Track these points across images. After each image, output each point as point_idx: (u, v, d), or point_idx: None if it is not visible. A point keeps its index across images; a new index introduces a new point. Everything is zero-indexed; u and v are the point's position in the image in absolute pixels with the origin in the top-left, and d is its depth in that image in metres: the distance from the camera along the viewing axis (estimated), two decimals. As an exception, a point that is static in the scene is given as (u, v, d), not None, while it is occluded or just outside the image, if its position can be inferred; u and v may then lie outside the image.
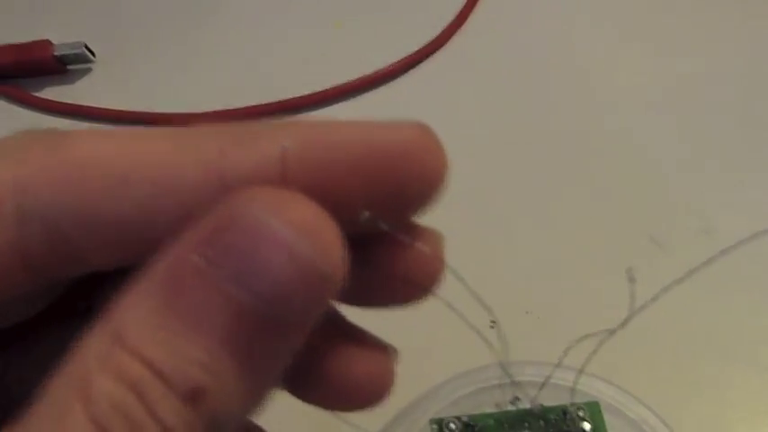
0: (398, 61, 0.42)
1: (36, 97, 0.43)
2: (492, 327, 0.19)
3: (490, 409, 0.24)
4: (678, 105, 0.39)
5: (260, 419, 0.16)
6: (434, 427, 0.23)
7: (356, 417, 0.24)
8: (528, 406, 0.23)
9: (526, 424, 0.23)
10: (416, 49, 0.43)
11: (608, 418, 0.24)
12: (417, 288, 0.16)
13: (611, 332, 0.19)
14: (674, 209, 0.35)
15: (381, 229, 0.15)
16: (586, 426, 0.23)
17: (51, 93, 0.43)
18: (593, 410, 0.23)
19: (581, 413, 0.23)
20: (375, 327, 0.18)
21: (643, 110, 0.39)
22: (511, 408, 0.23)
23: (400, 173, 0.14)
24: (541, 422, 0.23)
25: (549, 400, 0.24)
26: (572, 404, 0.23)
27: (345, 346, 0.16)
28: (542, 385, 0.24)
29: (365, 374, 0.16)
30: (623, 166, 0.37)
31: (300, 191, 0.13)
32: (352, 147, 0.14)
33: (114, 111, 0.42)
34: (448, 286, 0.16)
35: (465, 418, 0.24)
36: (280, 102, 0.41)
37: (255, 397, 0.13)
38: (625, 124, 0.39)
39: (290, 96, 0.41)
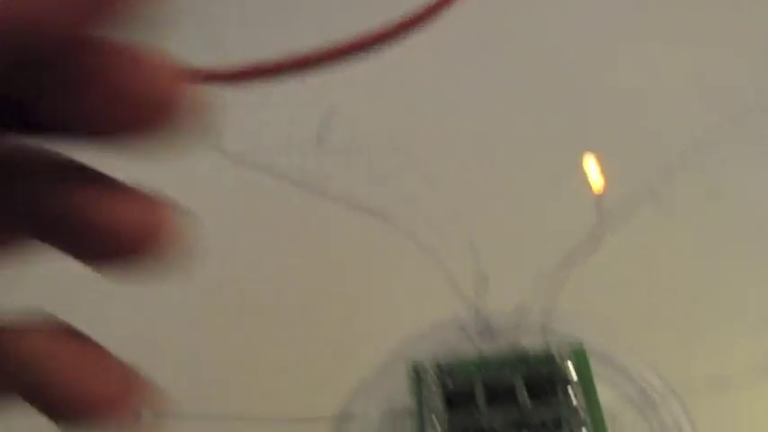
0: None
1: None
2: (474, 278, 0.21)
3: (470, 355, 0.23)
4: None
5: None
6: (413, 373, 0.23)
7: (337, 363, 0.25)
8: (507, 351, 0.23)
9: (507, 369, 0.22)
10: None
11: (594, 365, 0.23)
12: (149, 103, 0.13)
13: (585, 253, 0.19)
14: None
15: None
16: (571, 370, 0.22)
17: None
18: (579, 356, 0.23)
19: (565, 355, 0.23)
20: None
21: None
22: (490, 352, 0.23)
23: None
24: (524, 367, 0.23)
25: (531, 343, 0.24)
26: (557, 349, 0.23)
27: (98, 193, 0.14)
28: (520, 328, 0.24)
29: (123, 217, 0.14)
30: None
31: None
32: None
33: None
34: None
35: (444, 364, 0.23)
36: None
37: None
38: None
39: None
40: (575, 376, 0.23)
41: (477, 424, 0.23)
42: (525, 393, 0.23)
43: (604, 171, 0.26)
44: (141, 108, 0.13)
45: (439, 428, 0.23)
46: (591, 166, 0.26)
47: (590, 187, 0.26)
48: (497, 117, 0.35)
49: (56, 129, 0.14)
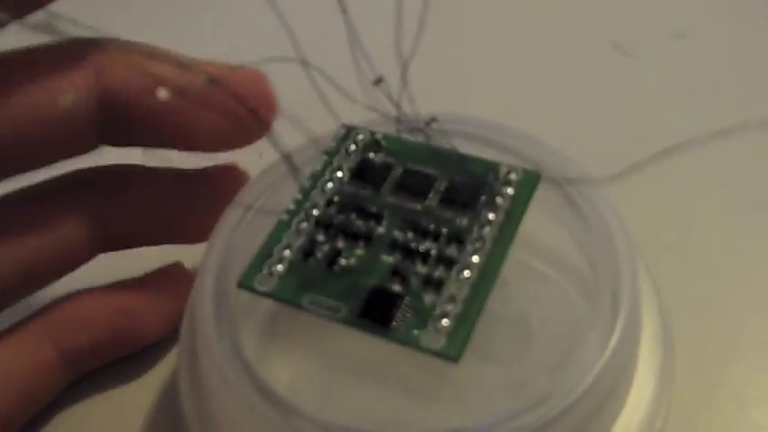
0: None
1: None
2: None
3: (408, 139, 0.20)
4: None
5: None
6: (342, 132, 0.20)
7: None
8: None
9: (440, 164, 0.19)
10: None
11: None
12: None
13: None
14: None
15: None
16: (508, 190, 0.18)
17: None
18: (529, 179, 0.18)
19: (512, 176, 0.18)
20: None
21: None
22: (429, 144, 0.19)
23: None
24: (456, 169, 0.19)
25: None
26: (507, 166, 0.19)
27: None
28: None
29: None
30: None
31: None
32: None
33: None
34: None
35: (378, 135, 0.20)
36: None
37: None
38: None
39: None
40: (506, 200, 0.18)
41: (368, 203, 0.19)
42: (439, 195, 0.18)
43: None
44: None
45: (327, 193, 0.19)
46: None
47: None
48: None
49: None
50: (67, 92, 0.17)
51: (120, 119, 0.18)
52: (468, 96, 0.30)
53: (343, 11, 0.15)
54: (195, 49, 0.18)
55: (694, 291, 0.23)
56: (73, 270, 0.21)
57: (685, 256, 0.24)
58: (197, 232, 0.21)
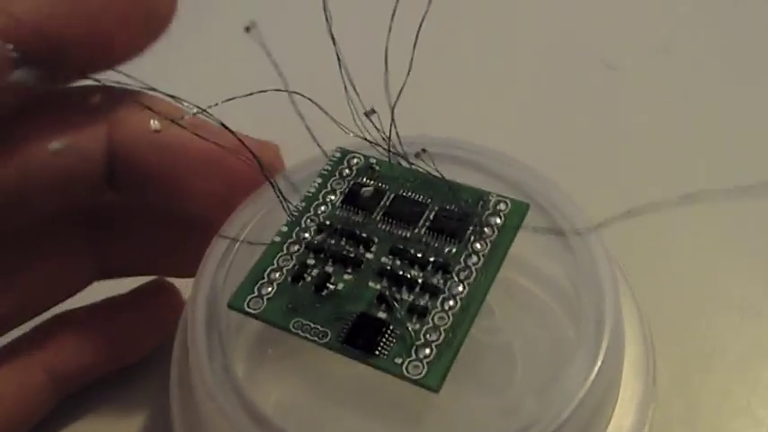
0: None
1: None
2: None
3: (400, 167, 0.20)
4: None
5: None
6: (338, 154, 0.20)
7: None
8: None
9: (430, 191, 0.19)
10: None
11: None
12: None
13: None
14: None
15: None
16: (496, 220, 0.18)
17: None
18: (518, 210, 0.19)
19: (501, 206, 0.19)
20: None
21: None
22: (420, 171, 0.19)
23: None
24: (446, 197, 0.19)
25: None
26: (497, 195, 0.19)
27: None
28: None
29: None
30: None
31: None
32: None
33: None
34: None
35: (372, 160, 0.20)
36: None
37: None
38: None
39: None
40: (494, 230, 0.18)
41: (359, 228, 0.19)
42: (428, 223, 0.19)
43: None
44: None
45: (319, 217, 0.20)
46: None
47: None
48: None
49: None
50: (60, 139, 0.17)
51: (128, 171, 0.18)
52: (456, 115, 0.31)
53: (333, 41, 0.16)
54: (190, 81, 0.18)
55: (674, 307, 0.24)
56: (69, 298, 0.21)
57: (667, 275, 0.25)
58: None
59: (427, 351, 0.16)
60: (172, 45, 0.17)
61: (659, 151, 0.29)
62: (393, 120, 0.17)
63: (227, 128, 0.17)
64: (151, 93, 0.16)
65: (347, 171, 0.20)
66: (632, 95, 0.32)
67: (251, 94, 0.16)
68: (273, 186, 0.18)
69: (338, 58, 0.15)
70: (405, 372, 0.16)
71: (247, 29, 0.14)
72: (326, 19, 0.15)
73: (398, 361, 0.16)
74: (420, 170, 0.19)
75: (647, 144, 0.30)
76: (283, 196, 0.18)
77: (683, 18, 0.35)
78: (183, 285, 0.23)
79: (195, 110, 0.15)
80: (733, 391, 0.22)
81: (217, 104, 0.16)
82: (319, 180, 0.20)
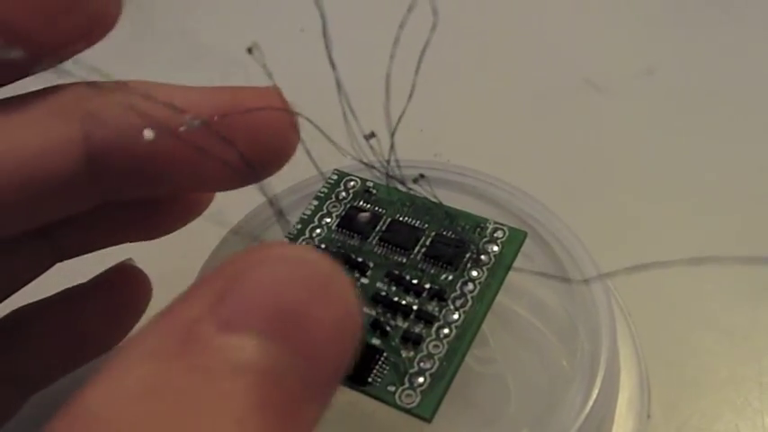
0: None
1: None
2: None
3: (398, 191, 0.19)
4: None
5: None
6: (335, 177, 0.20)
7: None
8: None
9: (427, 216, 0.19)
10: None
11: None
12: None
13: None
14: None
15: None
16: (493, 248, 0.18)
17: None
18: (515, 238, 0.18)
19: (498, 233, 0.18)
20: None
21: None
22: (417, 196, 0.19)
23: None
24: (443, 223, 0.19)
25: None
26: (495, 222, 0.18)
27: None
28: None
29: None
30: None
31: None
32: None
33: None
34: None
35: (369, 183, 0.20)
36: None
37: None
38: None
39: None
40: (491, 258, 0.18)
41: (354, 252, 0.19)
42: (425, 249, 0.18)
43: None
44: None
45: (315, 240, 0.19)
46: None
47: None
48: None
49: None
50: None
51: (111, 169, 0.17)
52: (445, 139, 0.31)
53: (333, 66, 0.16)
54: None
55: (665, 334, 0.24)
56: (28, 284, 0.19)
57: (659, 303, 0.25)
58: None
59: (421, 380, 0.16)
60: (175, 61, 0.16)
61: (645, 173, 0.30)
62: (393, 145, 0.17)
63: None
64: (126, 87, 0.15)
65: (344, 194, 0.20)
66: (619, 120, 0.32)
67: (248, 111, 0.15)
68: (272, 204, 0.17)
69: (337, 83, 0.15)
70: (398, 400, 0.16)
71: (249, 50, 0.14)
72: (326, 45, 0.14)
73: (392, 389, 0.16)
74: (417, 195, 0.19)
75: (632, 166, 0.30)
76: (282, 215, 0.18)
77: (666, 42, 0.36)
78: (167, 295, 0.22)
79: (198, 121, 0.15)
80: (722, 415, 0.22)
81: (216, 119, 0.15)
82: (315, 202, 0.20)
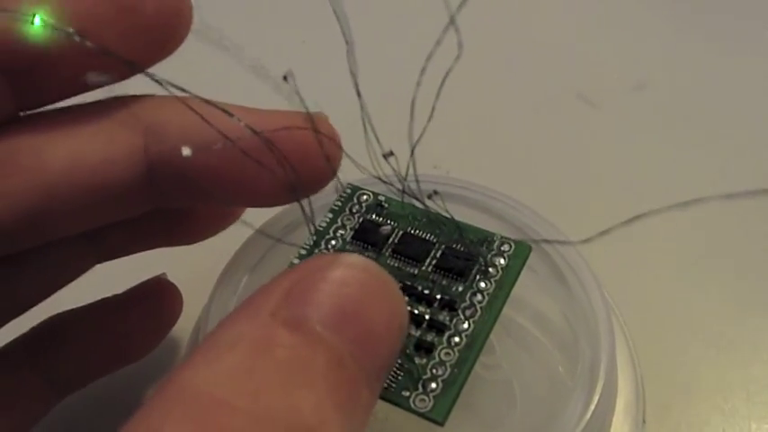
0: None
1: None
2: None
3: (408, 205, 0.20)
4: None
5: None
6: (348, 191, 0.21)
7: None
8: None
9: (438, 230, 0.20)
10: None
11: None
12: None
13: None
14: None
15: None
16: (500, 261, 0.19)
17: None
18: (521, 252, 0.19)
19: (505, 247, 0.19)
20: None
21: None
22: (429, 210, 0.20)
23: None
24: (456, 233, 0.20)
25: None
26: (502, 236, 0.19)
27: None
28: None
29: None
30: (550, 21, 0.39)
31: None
32: None
33: None
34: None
35: (381, 197, 0.21)
36: None
37: None
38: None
39: None
40: (498, 271, 0.19)
41: None
42: (435, 261, 0.19)
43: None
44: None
45: (330, 251, 0.20)
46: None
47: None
48: None
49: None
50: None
51: (168, 179, 0.18)
52: (443, 151, 0.31)
53: (359, 94, 0.17)
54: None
55: (658, 343, 0.25)
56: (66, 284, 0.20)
57: (652, 308, 0.26)
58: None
59: (433, 385, 0.17)
60: (214, 82, 0.17)
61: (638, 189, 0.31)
62: (413, 160, 0.18)
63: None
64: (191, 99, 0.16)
65: (357, 207, 0.21)
66: (610, 133, 0.33)
67: (278, 129, 0.16)
68: (302, 208, 0.18)
69: (361, 106, 0.16)
70: (412, 405, 0.17)
71: (285, 78, 0.15)
72: (351, 72, 0.15)
73: (406, 394, 0.17)
74: (428, 209, 0.20)
75: (631, 183, 0.31)
76: (311, 218, 0.19)
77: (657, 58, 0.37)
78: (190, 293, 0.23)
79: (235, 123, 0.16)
80: (711, 421, 0.24)
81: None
82: (330, 215, 0.21)
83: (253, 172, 0.16)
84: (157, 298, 0.22)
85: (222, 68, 0.18)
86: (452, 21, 0.15)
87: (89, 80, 0.15)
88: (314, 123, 0.17)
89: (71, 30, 0.14)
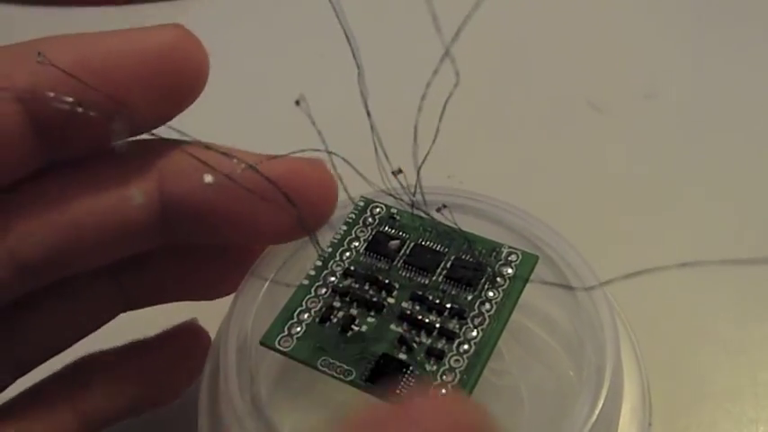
0: None
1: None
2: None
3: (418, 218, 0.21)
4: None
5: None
6: (361, 203, 0.22)
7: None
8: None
9: (447, 241, 0.21)
10: None
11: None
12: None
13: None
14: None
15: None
16: (508, 271, 0.20)
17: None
18: (528, 262, 0.20)
19: (513, 257, 0.20)
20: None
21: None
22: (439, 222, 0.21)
23: (166, 69, 0.17)
24: (465, 244, 0.20)
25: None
26: (509, 247, 0.20)
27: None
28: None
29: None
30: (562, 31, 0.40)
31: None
32: (121, 55, 0.17)
33: None
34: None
35: (393, 209, 0.22)
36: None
37: None
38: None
39: None
40: (506, 280, 0.20)
41: (381, 274, 0.21)
42: (445, 272, 0.20)
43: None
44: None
45: (345, 263, 0.21)
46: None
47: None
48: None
49: None
50: (134, 190, 0.18)
51: (181, 218, 0.19)
52: (457, 161, 0.32)
53: (369, 114, 0.17)
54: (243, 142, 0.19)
55: (666, 347, 0.26)
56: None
57: (660, 318, 0.27)
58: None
59: (443, 391, 0.18)
60: (227, 110, 0.18)
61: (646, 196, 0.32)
62: (419, 181, 0.19)
63: (274, 184, 0.18)
64: (198, 144, 0.18)
65: (370, 219, 0.22)
66: (621, 142, 0.34)
67: (294, 152, 0.17)
68: (311, 236, 0.19)
69: (371, 126, 0.17)
70: (423, 410, 0.18)
71: (297, 102, 0.16)
72: (361, 93, 0.16)
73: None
74: (438, 221, 0.21)
75: (646, 196, 0.32)
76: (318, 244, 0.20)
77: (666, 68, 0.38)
78: (209, 322, 0.24)
79: (243, 165, 0.17)
80: (718, 424, 0.24)
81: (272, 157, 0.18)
82: (344, 227, 0.22)
83: (259, 209, 0.18)
84: (188, 342, 0.23)
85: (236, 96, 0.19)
86: (465, 22, 0.15)
87: (116, 148, 0.16)
88: (314, 170, 0.19)
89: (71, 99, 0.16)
